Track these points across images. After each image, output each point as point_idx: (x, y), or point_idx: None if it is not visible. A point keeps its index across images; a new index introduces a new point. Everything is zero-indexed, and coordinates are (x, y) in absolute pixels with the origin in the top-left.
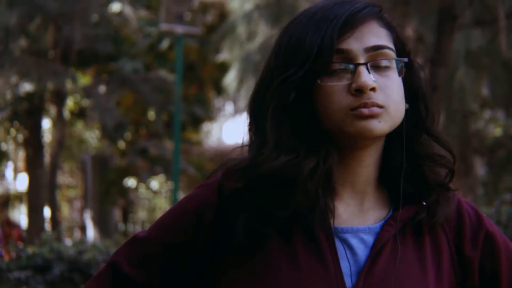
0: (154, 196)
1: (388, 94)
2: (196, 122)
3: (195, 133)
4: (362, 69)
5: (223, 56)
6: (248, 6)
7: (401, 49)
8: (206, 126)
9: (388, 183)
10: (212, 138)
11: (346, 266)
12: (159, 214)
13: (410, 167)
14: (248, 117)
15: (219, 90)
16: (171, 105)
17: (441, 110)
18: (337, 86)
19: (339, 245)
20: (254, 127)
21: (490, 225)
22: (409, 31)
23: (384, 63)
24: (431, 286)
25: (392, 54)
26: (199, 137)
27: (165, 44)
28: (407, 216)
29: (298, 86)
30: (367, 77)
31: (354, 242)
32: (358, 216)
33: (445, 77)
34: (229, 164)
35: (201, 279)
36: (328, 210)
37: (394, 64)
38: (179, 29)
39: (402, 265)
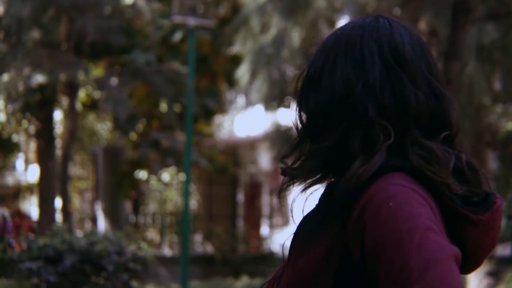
0: (165, 188)
1: None
2: (208, 114)
3: (207, 125)
4: None
5: (236, 48)
6: None
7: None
8: (218, 119)
9: None
10: (224, 131)
11: None
12: (169, 206)
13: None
14: None
15: (231, 82)
16: (183, 97)
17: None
18: None
19: None
20: None
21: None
22: (423, 25)
23: None
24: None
25: None
26: (210, 130)
27: (177, 36)
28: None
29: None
30: None
31: None
32: None
33: (458, 71)
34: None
35: None
36: None
37: None
38: (192, 21)
39: (300, 254)
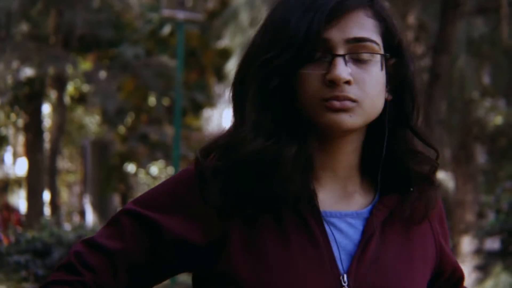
0: (154, 181)
1: (364, 88)
2: (197, 108)
3: (195, 119)
4: (339, 60)
5: (225, 42)
6: None
7: (390, 41)
8: (207, 112)
9: (371, 171)
10: (213, 124)
11: (337, 250)
12: None
13: (391, 158)
14: (231, 97)
15: (220, 76)
16: (171, 91)
17: (443, 98)
18: (313, 75)
19: (327, 229)
20: (236, 107)
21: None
22: (412, 19)
23: (364, 56)
24: (418, 271)
25: (375, 47)
26: (199, 123)
27: (166, 30)
28: (393, 202)
29: (280, 72)
30: (342, 70)
31: (343, 226)
32: (341, 201)
33: (447, 65)
34: (207, 143)
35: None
36: (313, 194)
37: (377, 58)
38: (181, 15)
39: (391, 250)
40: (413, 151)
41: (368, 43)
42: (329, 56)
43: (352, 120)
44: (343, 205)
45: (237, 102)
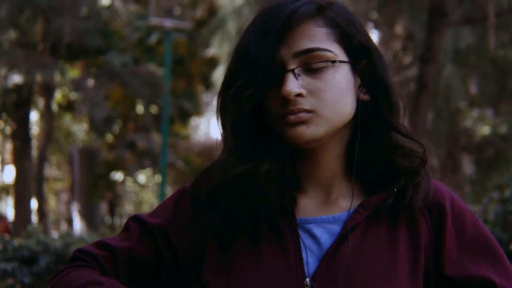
0: (141, 189)
1: (321, 97)
2: (184, 116)
3: (183, 127)
4: (288, 76)
5: (212, 51)
6: (238, 1)
7: (350, 44)
8: (194, 121)
9: (361, 174)
10: (200, 133)
11: (305, 255)
12: (145, 208)
13: (379, 157)
14: (217, 119)
15: (208, 85)
16: (159, 99)
17: (430, 108)
18: (273, 94)
19: (304, 236)
20: (221, 135)
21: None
22: (399, 29)
23: (318, 65)
24: (402, 276)
25: (328, 55)
26: (187, 131)
27: (154, 38)
28: (376, 202)
29: (250, 98)
30: (291, 84)
31: (318, 231)
32: (323, 207)
33: (434, 75)
34: (204, 168)
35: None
36: (290, 205)
37: (335, 64)
38: (168, 23)
39: (371, 254)
40: (398, 146)
41: (319, 53)
42: (283, 73)
43: (311, 130)
44: (323, 211)
45: (221, 130)
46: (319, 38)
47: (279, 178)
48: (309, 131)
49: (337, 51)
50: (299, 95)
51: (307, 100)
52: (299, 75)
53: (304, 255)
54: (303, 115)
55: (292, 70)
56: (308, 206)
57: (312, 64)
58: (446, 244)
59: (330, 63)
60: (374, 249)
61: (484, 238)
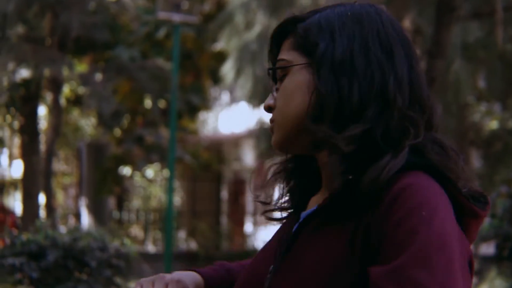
0: (149, 184)
1: (278, 105)
2: (192, 110)
3: (191, 121)
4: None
5: (220, 45)
6: None
7: (308, 47)
8: (202, 115)
9: None
10: (208, 127)
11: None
12: (153, 202)
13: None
14: None
15: (216, 79)
16: (167, 94)
17: (438, 103)
18: None
19: (295, 228)
20: None
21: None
22: (407, 23)
23: (279, 76)
24: (337, 271)
25: (283, 63)
26: (195, 126)
27: (162, 32)
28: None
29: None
30: (265, 101)
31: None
32: (318, 201)
33: (443, 70)
34: None
35: None
36: (300, 200)
37: (291, 70)
38: (176, 17)
39: (307, 255)
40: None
41: (280, 63)
42: None
43: (274, 138)
44: (315, 205)
45: None
46: (283, 50)
47: (298, 177)
48: (273, 139)
49: (292, 58)
50: (270, 107)
51: (274, 111)
52: (277, 89)
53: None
54: (271, 126)
55: (272, 87)
56: (313, 200)
57: (279, 77)
58: (372, 236)
59: (287, 70)
60: (312, 251)
61: (403, 239)
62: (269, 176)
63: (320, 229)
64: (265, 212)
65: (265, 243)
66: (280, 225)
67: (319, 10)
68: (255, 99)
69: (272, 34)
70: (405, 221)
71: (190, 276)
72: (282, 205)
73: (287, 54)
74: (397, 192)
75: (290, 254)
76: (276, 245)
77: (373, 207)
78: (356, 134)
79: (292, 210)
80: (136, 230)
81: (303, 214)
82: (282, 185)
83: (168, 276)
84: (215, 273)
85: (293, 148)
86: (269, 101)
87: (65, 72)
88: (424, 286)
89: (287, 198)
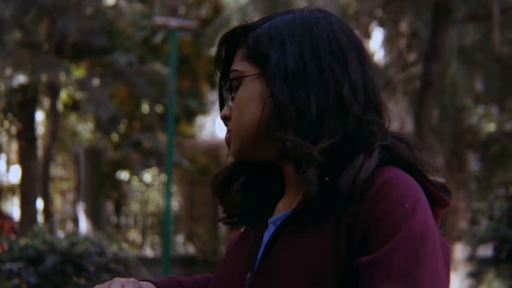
0: (147, 189)
1: (233, 115)
2: (190, 115)
3: (188, 126)
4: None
5: None
6: (243, 0)
7: (260, 57)
8: (200, 120)
9: None
10: (206, 132)
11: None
12: (151, 207)
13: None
14: None
15: (213, 83)
16: (164, 98)
17: (435, 105)
18: None
19: (267, 234)
20: None
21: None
22: (404, 26)
23: (234, 86)
24: (323, 274)
25: (236, 74)
26: (192, 130)
27: (159, 37)
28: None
29: None
30: (222, 111)
31: (272, 230)
32: (290, 206)
33: (439, 72)
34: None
35: None
36: (267, 207)
37: (244, 81)
38: (173, 22)
39: (290, 253)
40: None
41: (233, 74)
42: None
43: (231, 148)
44: (289, 208)
45: None
46: (236, 60)
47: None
48: (231, 150)
49: (244, 68)
50: (226, 117)
51: (230, 121)
52: (232, 98)
53: (261, 251)
54: (228, 136)
55: (228, 97)
56: (280, 205)
57: (234, 87)
58: (356, 231)
59: (241, 81)
60: (304, 243)
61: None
62: (218, 185)
63: (299, 231)
64: (223, 219)
65: (223, 258)
66: (238, 236)
67: (269, 18)
68: None
69: (221, 42)
70: (390, 213)
71: (144, 283)
72: (243, 212)
73: (239, 65)
74: (379, 186)
75: (269, 259)
76: (246, 254)
77: (354, 202)
78: (327, 146)
79: (253, 218)
80: (134, 235)
81: (272, 219)
82: (238, 193)
83: (123, 279)
84: (169, 284)
85: (252, 157)
86: (225, 111)
87: (62, 77)
88: (412, 273)
89: (245, 205)
